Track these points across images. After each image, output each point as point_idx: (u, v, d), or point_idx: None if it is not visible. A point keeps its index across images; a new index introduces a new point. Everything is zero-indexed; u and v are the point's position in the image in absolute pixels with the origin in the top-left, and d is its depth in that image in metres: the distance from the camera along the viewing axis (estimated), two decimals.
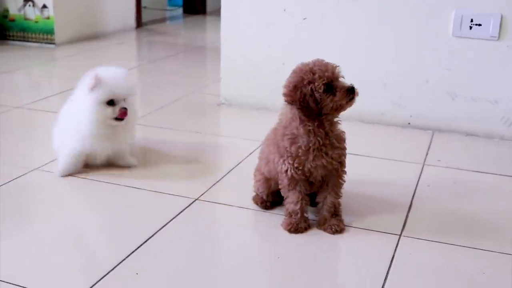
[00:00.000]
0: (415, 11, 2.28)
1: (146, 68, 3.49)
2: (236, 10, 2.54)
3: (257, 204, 1.67)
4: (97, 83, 1.74)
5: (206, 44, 4.41)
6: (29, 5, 3.94)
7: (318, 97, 1.44)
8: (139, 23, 4.82)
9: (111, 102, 1.77)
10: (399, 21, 2.31)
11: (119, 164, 1.91)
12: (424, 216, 1.66)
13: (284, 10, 2.42)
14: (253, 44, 2.53)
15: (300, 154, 1.48)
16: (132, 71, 3.45)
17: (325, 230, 1.56)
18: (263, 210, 1.65)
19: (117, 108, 1.77)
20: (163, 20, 5.52)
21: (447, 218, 1.65)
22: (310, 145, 1.47)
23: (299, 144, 1.48)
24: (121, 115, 1.78)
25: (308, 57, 2.42)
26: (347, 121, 2.38)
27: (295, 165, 1.48)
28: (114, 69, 1.81)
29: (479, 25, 2.23)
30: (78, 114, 1.79)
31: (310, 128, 1.47)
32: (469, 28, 2.24)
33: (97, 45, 4.09)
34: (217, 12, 5.84)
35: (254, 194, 1.68)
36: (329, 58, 2.40)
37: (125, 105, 1.78)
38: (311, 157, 1.48)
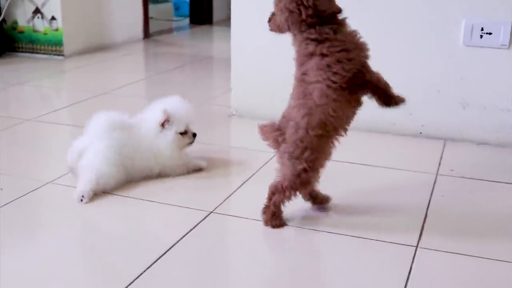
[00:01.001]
0: (425, 20, 2.28)
1: (154, 80, 3.50)
2: (246, 21, 2.55)
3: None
4: (168, 119, 1.92)
5: (214, 55, 4.42)
6: (38, 17, 3.95)
7: None
8: (147, 34, 4.84)
9: (184, 132, 1.96)
10: (410, 30, 2.31)
11: (189, 170, 2.00)
12: (440, 227, 1.66)
13: None
14: (263, 55, 2.53)
15: None
16: (141, 82, 3.46)
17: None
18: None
19: (189, 135, 1.98)
20: (170, 30, 5.54)
21: (463, 229, 1.65)
22: None
23: None
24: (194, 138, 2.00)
25: None
26: (358, 131, 2.40)
27: None
28: (178, 101, 1.98)
29: (490, 33, 2.23)
30: (154, 144, 1.93)
31: None
32: (479, 37, 2.24)
33: (105, 56, 4.11)
34: (223, 22, 5.88)
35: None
36: None
37: (193, 130, 1.99)
38: None
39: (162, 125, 1.92)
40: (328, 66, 1.51)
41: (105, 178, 1.81)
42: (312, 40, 1.52)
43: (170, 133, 1.93)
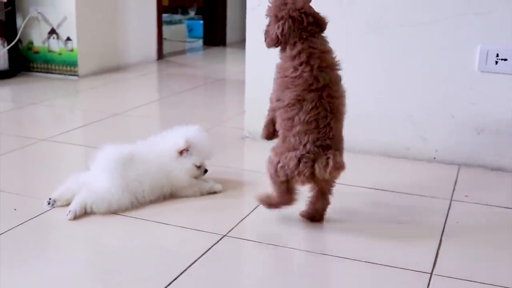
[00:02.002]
0: (440, 46, 2.28)
1: (168, 101, 3.51)
2: (261, 45, 2.54)
3: None
4: (187, 149, 1.95)
5: (227, 76, 4.43)
6: (53, 38, 3.99)
7: None
8: (160, 55, 4.87)
9: (198, 166, 1.99)
10: (424, 55, 2.31)
11: (202, 193, 2.00)
12: (455, 254, 1.64)
13: None
14: None
15: None
16: (155, 104, 3.48)
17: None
18: (294, 248, 1.64)
19: (202, 169, 2.00)
20: (183, 52, 5.57)
21: (478, 256, 1.64)
22: None
23: None
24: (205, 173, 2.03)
25: None
26: (371, 155, 2.40)
27: None
28: (200, 134, 2.03)
29: (505, 59, 2.23)
30: (167, 165, 1.94)
31: None
32: (494, 62, 2.24)
33: (119, 77, 4.13)
34: (236, 44, 5.91)
35: None
36: (354, 92, 2.42)
37: (206, 167, 2.01)
38: None
39: (181, 152, 1.94)
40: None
41: (100, 202, 1.81)
42: (318, 51, 1.64)
43: (188, 163, 1.95)
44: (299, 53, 1.62)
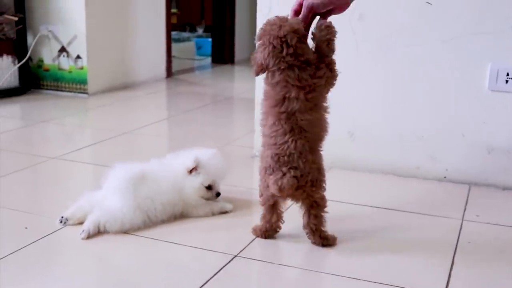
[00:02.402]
0: (450, 65, 2.29)
1: (178, 119, 3.52)
2: None
3: None
4: (196, 168, 1.95)
5: (236, 95, 4.45)
6: (64, 56, 4.02)
7: None
8: (169, 73, 4.89)
9: (209, 187, 1.99)
10: (435, 74, 2.31)
11: (214, 212, 2.00)
12: (467, 274, 1.63)
13: None
14: None
15: None
16: (164, 122, 3.48)
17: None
18: (306, 268, 1.63)
19: (213, 192, 2.01)
20: (191, 69, 5.60)
21: (491, 277, 1.62)
22: None
23: None
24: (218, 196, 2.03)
25: (343, 109, 2.45)
26: (381, 174, 2.40)
27: None
28: (213, 156, 2.02)
29: None
30: (179, 182, 1.95)
31: None
32: (505, 81, 2.24)
33: (129, 95, 4.15)
34: (244, 62, 5.94)
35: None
36: (365, 111, 2.42)
37: (219, 190, 2.02)
38: None
39: (190, 171, 1.95)
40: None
41: (113, 221, 1.81)
42: (292, 85, 1.60)
43: (196, 182, 1.96)
44: (277, 83, 1.62)
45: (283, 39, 1.58)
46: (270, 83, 1.63)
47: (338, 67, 2.41)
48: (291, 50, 1.58)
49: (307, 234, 1.76)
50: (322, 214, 1.73)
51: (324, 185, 1.72)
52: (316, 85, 1.63)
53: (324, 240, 1.74)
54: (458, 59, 2.28)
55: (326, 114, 1.70)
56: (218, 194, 2.02)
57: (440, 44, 2.28)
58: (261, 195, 1.76)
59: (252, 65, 1.67)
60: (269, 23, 1.62)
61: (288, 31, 1.58)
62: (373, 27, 2.37)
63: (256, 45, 1.66)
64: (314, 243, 1.75)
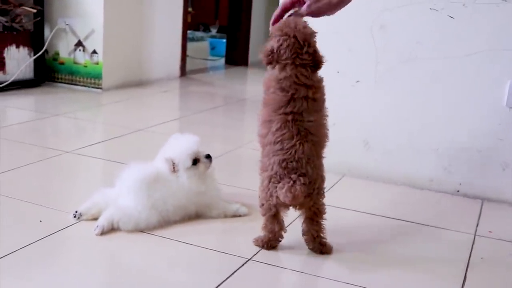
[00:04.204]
0: (469, 79, 2.28)
1: (191, 120, 3.52)
2: None
3: None
4: (173, 165, 1.93)
5: (249, 97, 4.45)
6: (80, 50, 4.03)
7: None
8: (183, 72, 4.90)
9: (195, 161, 1.95)
10: (453, 88, 2.31)
11: (227, 215, 2.00)
12: None
13: (338, 72, 2.44)
14: None
15: None
16: (177, 121, 3.49)
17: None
18: (320, 276, 1.63)
19: (202, 160, 1.97)
20: (205, 69, 5.61)
21: None
22: None
23: None
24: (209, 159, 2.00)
25: (359, 118, 2.45)
26: (394, 185, 2.40)
27: None
28: (176, 141, 2.01)
29: None
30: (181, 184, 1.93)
31: None
32: None
33: (142, 92, 4.16)
34: (258, 64, 5.93)
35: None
36: (381, 121, 2.42)
37: (204, 153, 1.98)
38: None
39: (173, 170, 1.93)
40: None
41: (127, 220, 1.81)
42: (300, 84, 1.63)
43: (183, 172, 1.94)
44: (284, 78, 1.62)
45: (308, 37, 1.62)
46: (276, 78, 1.63)
47: (355, 76, 2.44)
48: (311, 50, 1.63)
49: (306, 241, 1.76)
50: (322, 221, 1.74)
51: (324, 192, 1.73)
52: (321, 85, 1.68)
53: (323, 247, 1.75)
54: (477, 74, 2.27)
55: (326, 118, 1.72)
56: (208, 156, 1.99)
57: (460, 59, 2.28)
58: (262, 205, 1.73)
59: (261, 53, 1.68)
60: (292, 19, 1.65)
61: (312, 32, 1.64)
62: (394, 39, 2.37)
63: (272, 33, 1.66)
64: (312, 249, 1.75)
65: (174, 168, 1.92)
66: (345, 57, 2.44)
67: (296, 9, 1.67)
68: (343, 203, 2.15)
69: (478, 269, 1.75)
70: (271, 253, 1.76)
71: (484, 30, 2.24)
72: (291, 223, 1.94)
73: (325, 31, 2.47)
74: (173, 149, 1.97)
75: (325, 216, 1.73)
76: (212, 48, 6.50)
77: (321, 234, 1.75)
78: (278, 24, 1.66)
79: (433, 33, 2.31)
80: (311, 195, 1.65)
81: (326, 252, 1.75)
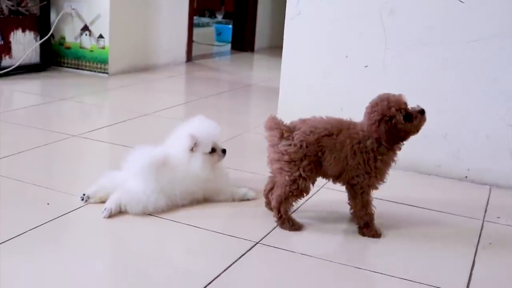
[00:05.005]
0: (478, 65, 2.27)
1: (197, 104, 3.51)
2: (298, 54, 2.56)
3: None
4: (195, 143, 1.92)
5: (256, 82, 4.43)
6: (86, 34, 4.01)
7: (402, 127, 1.71)
8: (189, 57, 4.88)
9: (213, 150, 1.96)
10: (463, 74, 2.30)
11: (234, 198, 2.01)
12: (488, 276, 1.63)
13: (346, 56, 2.42)
14: (312, 88, 2.54)
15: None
16: (183, 106, 3.49)
17: None
18: (326, 259, 1.63)
19: (219, 152, 1.99)
20: (211, 55, 5.59)
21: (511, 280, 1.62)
22: None
23: None
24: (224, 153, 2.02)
25: (367, 103, 2.43)
26: (402, 171, 2.39)
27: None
28: (201, 122, 2.01)
29: None
30: (189, 168, 1.93)
31: None
32: None
33: (149, 77, 4.15)
34: (264, 50, 5.93)
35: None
36: None
37: (222, 147, 2.00)
38: None
39: (192, 149, 1.93)
40: None
41: (135, 204, 1.81)
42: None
43: (199, 155, 1.93)
44: None
45: None
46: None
47: (364, 60, 2.43)
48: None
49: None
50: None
51: None
52: None
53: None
54: (486, 60, 2.26)
55: None
56: (224, 151, 2.00)
57: (470, 44, 2.26)
58: None
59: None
60: None
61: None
62: (404, 24, 2.35)
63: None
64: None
65: (194, 147, 1.92)
66: (354, 42, 2.42)
67: None
68: None
69: (487, 254, 1.75)
70: (279, 236, 1.76)
71: (495, 15, 2.22)
72: (299, 207, 1.95)
73: (334, 16, 2.46)
74: (198, 130, 1.96)
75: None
76: (218, 33, 6.47)
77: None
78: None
79: (443, 18, 2.29)
80: None
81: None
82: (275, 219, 1.80)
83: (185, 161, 1.93)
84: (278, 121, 1.79)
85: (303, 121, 1.80)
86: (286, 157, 1.74)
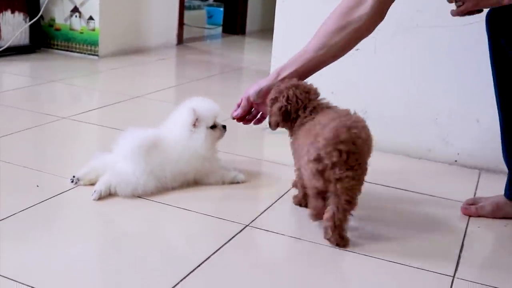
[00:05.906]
0: (469, 49, 2.27)
1: (187, 87, 3.50)
2: (289, 37, 2.55)
3: None
4: (198, 118, 1.93)
5: (247, 66, 4.43)
6: (76, 16, 3.98)
7: None
8: (180, 40, 4.86)
9: (213, 126, 1.97)
10: (453, 58, 2.30)
11: (225, 181, 2.00)
12: (476, 258, 1.64)
13: None
14: None
15: None
16: (173, 89, 3.47)
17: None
18: (317, 242, 1.64)
19: (219, 127, 2.01)
20: (202, 38, 5.57)
21: (500, 262, 1.63)
22: None
23: None
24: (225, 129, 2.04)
25: (357, 87, 2.44)
26: (392, 154, 2.40)
27: None
28: (201, 100, 2.01)
29: None
30: (188, 146, 1.93)
31: None
32: None
33: (139, 59, 4.13)
34: (255, 33, 5.91)
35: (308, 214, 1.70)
36: (380, 91, 2.41)
37: (222, 123, 2.02)
38: None
39: (194, 124, 1.93)
40: None
41: (125, 185, 1.80)
42: None
43: (202, 130, 1.94)
44: None
45: None
46: None
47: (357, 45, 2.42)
48: None
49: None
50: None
51: None
52: None
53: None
54: (478, 43, 2.25)
55: None
56: (224, 127, 2.02)
57: (462, 27, 2.26)
58: None
59: None
60: None
61: None
62: (394, 7, 2.33)
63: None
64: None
65: (195, 122, 1.92)
66: None
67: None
68: None
69: (475, 237, 1.76)
70: (269, 219, 1.76)
71: None
72: (287, 192, 1.95)
73: None
74: (198, 105, 1.96)
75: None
76: (209, 16, 6.45)
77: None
78: None
79: (433, 1, 2.28)
80: None
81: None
82: (334, 240, 1.63)
83: (186, 137, 1.92)
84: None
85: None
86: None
